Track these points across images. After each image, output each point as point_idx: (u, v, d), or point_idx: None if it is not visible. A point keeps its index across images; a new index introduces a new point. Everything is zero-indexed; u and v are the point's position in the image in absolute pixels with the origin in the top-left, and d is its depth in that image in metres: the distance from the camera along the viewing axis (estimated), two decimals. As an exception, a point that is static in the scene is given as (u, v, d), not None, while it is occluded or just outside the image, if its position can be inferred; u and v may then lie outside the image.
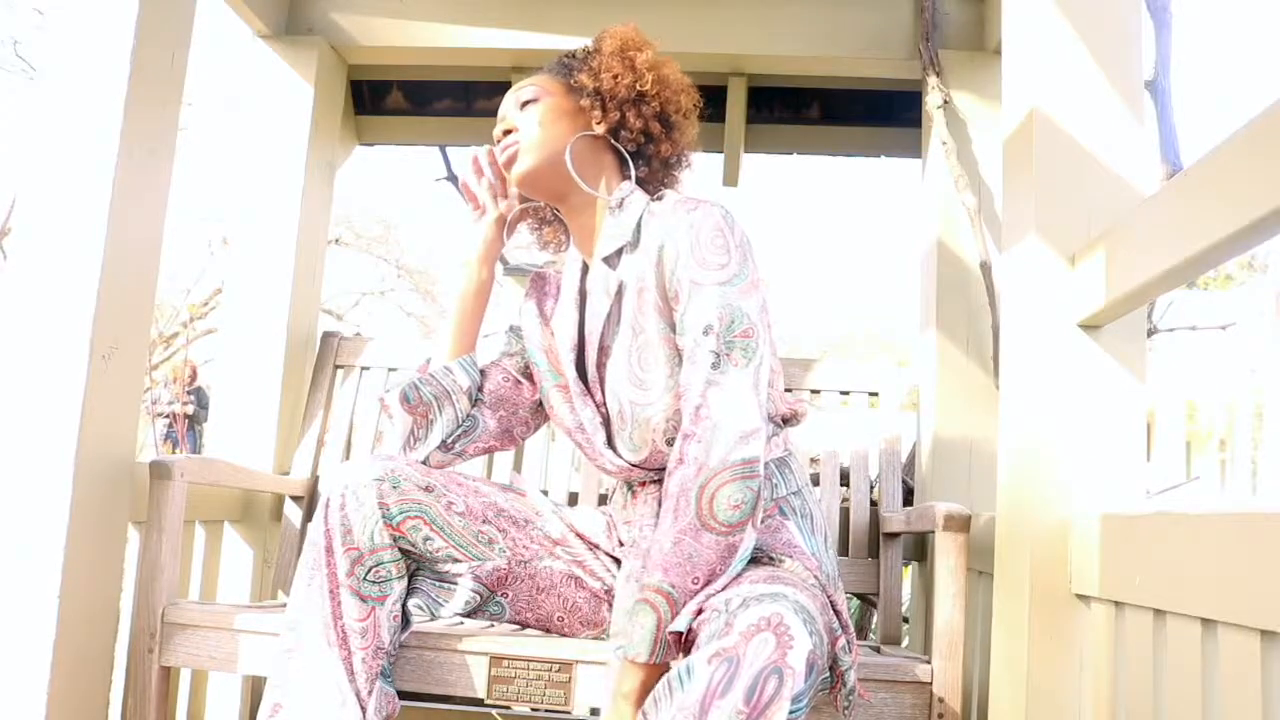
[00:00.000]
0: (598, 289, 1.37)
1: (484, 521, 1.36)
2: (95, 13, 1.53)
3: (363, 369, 2.16)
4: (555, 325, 1.44)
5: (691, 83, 1.45)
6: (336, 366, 2.16)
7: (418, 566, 1.36)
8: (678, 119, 1.42)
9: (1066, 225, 1.24)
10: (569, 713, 1.38)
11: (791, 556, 1.24)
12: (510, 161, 1.38)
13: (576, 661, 1.36)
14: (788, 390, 2.06)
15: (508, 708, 1.91)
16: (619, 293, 1.35)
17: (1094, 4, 1.28)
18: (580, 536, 1.43)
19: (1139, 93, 1.28)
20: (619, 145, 1.40)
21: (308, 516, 2.04)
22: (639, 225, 1.35)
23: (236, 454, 2.05)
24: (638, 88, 1.37)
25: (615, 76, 1.37)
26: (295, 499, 2.04)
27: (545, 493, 2.07)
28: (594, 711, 1.39)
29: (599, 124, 1.38)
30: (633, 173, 1.41)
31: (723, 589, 1.11)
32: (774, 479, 1.32)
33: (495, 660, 1.36)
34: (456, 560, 1.35)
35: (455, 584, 1.36)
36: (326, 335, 2.21)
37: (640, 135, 1.39)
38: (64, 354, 1.46)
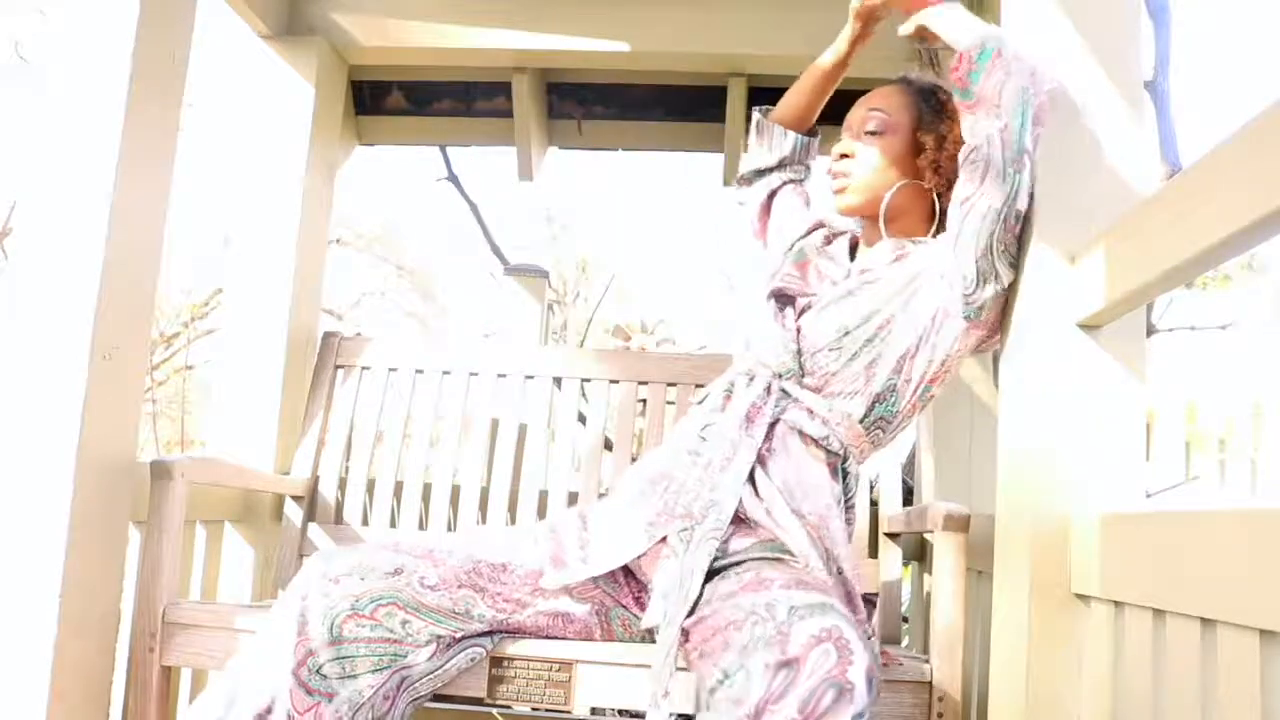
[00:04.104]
0: (855, 268, 1.48)
1: (459, 587, 1.31)
2: (95, 13, 1.53)
3: (363, 369, 2.16)
4: (819, 261, 1.54)
5: None
6: (337, 366, 2.16)
7: (404, 667, 1.28)
8: None
9: (1066, 225, 1.24)
10: (569, 713, 1.38)
11: (803, 516, 1.29)
12: (839, 191, 1.49)
13: (576, 661, 1.36)
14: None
15: (508, 707, 1.91)
16: (870, 282, 1.43)
17: (1094, 4, 1.28)
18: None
19: (1139, 93, 1.28)
20: (936, 196, 1.47)
21: (308, 516, 2.04)
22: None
23: (237, 454, 2.05)
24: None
25: (954, 158, 1.40)
26: (296, 499, 2.04)
27: (545, 493, 2.07)
28: (594, 711, 1.39)
29: (927, 183, 1.46)
30: (934, 227, 1.46)
31: (753, 591, 1.12)
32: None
33: (495, 660, 1.36)
34: (440, 636, 1.29)
35: (448, 664, 1.32)
36: (327, 335, 2.21)
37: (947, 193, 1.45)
38: (65, 354, 1.46)
